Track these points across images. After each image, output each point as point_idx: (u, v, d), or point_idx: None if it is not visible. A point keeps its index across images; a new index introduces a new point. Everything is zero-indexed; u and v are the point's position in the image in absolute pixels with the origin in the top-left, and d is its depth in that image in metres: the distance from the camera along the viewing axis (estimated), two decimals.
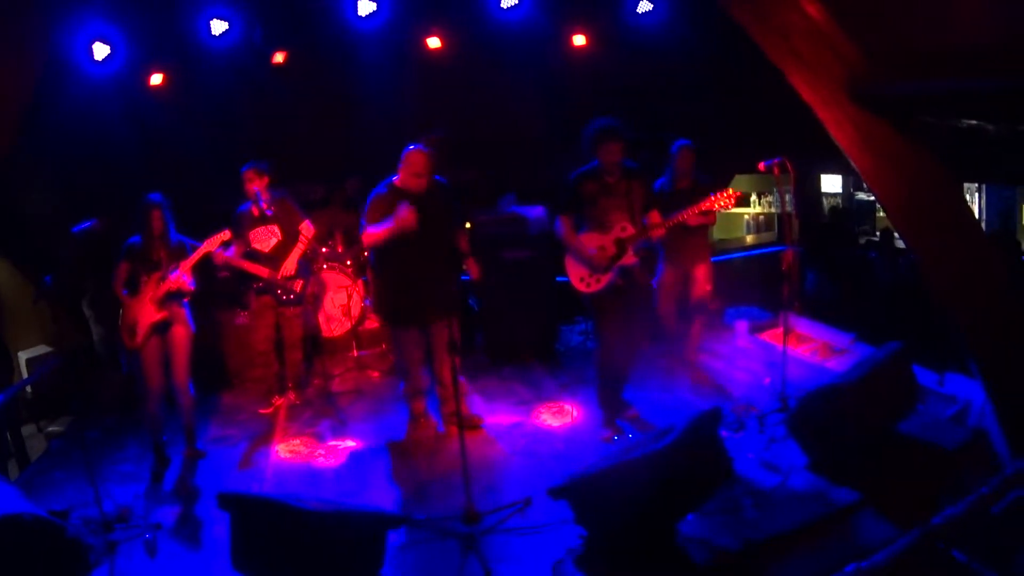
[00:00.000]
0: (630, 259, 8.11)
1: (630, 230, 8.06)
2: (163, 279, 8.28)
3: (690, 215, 8.28)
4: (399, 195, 8.20)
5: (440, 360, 8.70)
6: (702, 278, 9.62)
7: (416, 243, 8.09)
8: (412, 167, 8.23)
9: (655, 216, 8.17)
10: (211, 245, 8.55)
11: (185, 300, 8.53)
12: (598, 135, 8.04)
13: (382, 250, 8.34)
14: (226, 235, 8.69)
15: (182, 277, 8.33)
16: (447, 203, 8.55)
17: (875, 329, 9.87)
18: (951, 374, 8.54)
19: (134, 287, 8.36)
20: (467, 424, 8.01)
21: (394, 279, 8.54)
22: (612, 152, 8.02)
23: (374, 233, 8.15)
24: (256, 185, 9.25)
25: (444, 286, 8.55)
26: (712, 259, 9.69)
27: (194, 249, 8.47)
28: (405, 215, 7.85)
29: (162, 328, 8.40)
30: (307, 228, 9.66)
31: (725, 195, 8.07)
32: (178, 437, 8.91)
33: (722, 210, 8.40)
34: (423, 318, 8.54)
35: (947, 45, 6.17)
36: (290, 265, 9.47)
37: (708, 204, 8.15)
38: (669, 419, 7.81)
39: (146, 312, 8.29)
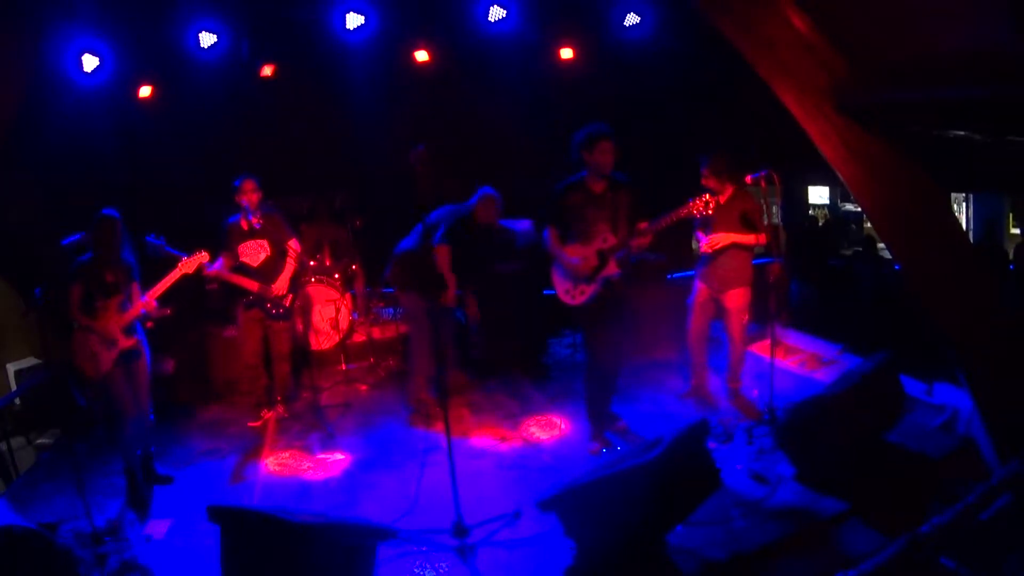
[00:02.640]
0: (612, 270, 8.11)
1: (611, 240, 8.05)
2: (124, 305, 8.03)
3: (664, 224, 8.21)
4: (478, 225, 9.61)
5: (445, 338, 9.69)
6: (737, 307, 9.15)
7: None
8: (494, 207, 9.61)
9: (642, 227, 8.14)
10: (187, 267, 8.37)
11: (148, 324, 8.39)
12: (591, 135, 8.01)
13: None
14: (205, 257, 8.54)
15: (152, 301, 8.11)
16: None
17: (863, 339, 9.89)
18: (939, 383, 8.57)
19: (91, 312, 7.98)
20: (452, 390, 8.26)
21: (429, 265, 9.38)
22: (605, 152, 7.97)
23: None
24: (251, 197, 9.27)
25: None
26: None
27: (138, 268, 8.22)
28: None
29: (130, 356, 8.11)
30: (294, 245, 9.66)
31: (702, 201, 7.99)
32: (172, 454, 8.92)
33: (702, 215, 8.28)
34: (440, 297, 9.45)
35: (932, 55, 6.20)
36: (283, 283, 9.48)
37: (684, 211, 8.05)
38: (657, 431, 7.82)
39: (112, 340, 7.97)
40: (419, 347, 9.83)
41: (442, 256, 9.31)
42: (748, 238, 8.91)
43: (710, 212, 8.00)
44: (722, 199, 8.80)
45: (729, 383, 9.54)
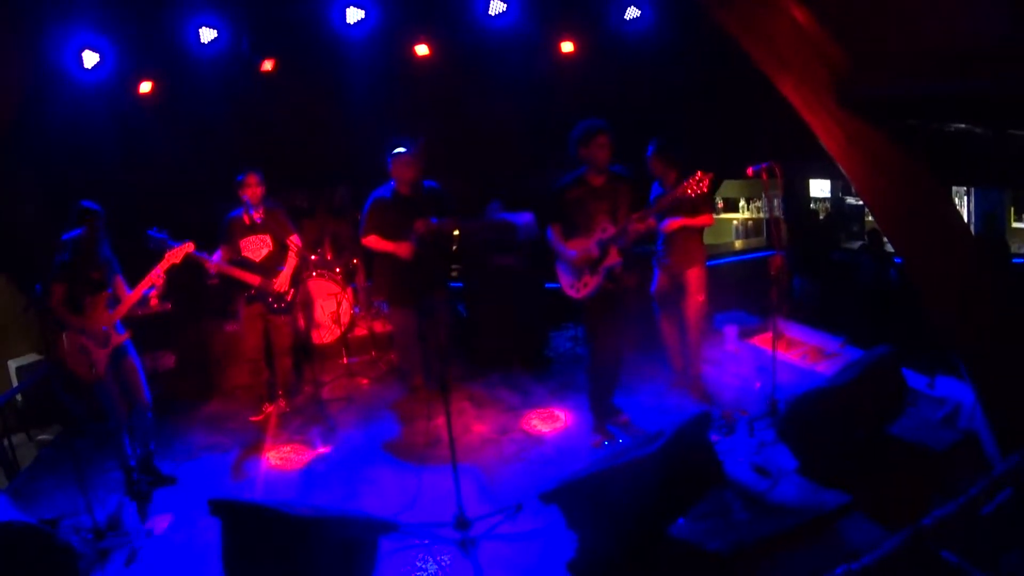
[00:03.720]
0: (613, 259, 8.11)
1: (611, 230, 8.07)
2: (111, 301, 8.02)
3: (664, 206, 8.27)
4: (399, 198, 9.42)
5: (429, 334, 9.73)
6: (694, 286, 9.31)
7: (407, 237, 9.30)
8: (397, 171, 9.41)
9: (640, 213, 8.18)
10: (174, 257, 8.33)
11: (154, 304, 8.38)
12: (588, 130, 8.07)
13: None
14: (190, 247, 8.50)
15: (162, 274, 8.13)
16: (437, 204, 9.44)
17: (865, 332, 9.90)
18: (941, 376, 8.58)
19: (78, 311, 7.86)
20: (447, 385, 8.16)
21: (390, 266, 9.51)
22: (602, 146, 8.03)
23: (377, 246, 9.44)
24: (255, 191, 9.28)
25: (432, 272, 9.54)
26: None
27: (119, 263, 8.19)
28: (406, 250, 9.28)
29: (118, 355, 8.07)
30: (296, 241, 9.66)
31: (695, 180, 8.00)
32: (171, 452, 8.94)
33: (698, 196, 8.35)
34: (414, 299, 9.51)
35: (933, 48, 6.20)
36: (284, 279, 9.49)
37: (680, 191, 8.07)
38: (659, 424, 7.83)
39: (104, 337, 7.93)
40: (405, 355, 10.20)
41: (373, 243, 9.49)
42: (696, 220, 9.11)
43: (703, 190, 8.01)
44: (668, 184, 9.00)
45: (689, 369, 9.57)
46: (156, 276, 8.15)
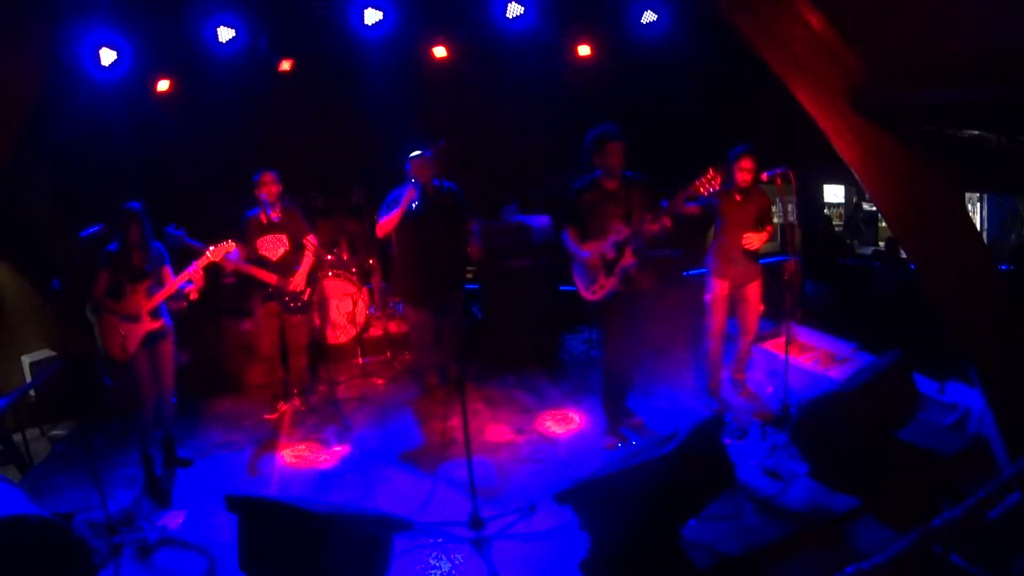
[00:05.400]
0: (629, 259, 8.16)
1: (625, 231, 8.11)
2: (152, 289, 8.23)
3: (676, 206, 8.21)
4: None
5: (443, 334, 9.98)
6: (756, 297, 9.36)
7: (423, 236, 9.51)
8: (414, 172, 9.41)
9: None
10: (215, 255, 8.58)
11: (193, 297, 8.55)
12: (600, 137, 8.14)
13: (398, 241, 9.58)
14: (231, 246, 8.74)
15: (200, 270, 8.41)
16: (454, 205, 9.58)
17: (877, 338, 9.90)
18: (952, 382, 8.57)
19: (118, 297, 8.17)
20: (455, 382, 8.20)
21: (407, 265, 9.66)
22: (615, 152, 8.10)
23: (385, 219, 9.39)
24: (271, 189, 9.33)
25: (448, 273, 9.76)
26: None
27: (175, 252, 8.53)
28: (408, 194, 9.28)
29: (154, 338, 8.30)
30: (312, 240, 9.71)
31: (707, 179, 8.00)
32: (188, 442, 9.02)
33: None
34: (430, 299, 9.70)
35: (948, 55, 6.22)
36: (301, 277, 9.54)
37: (692, 189, 8.04)
38: (672, 426, 7.85)
39: (139, 323, 8.18)
40: (420, 354, 10.36)
41: (383, 225, 9.52)
42: (768, 231, 9.18)
43: (715, 187, 8.02)
44: (738, 196, 8.90)
45: (735, 375, 9.65)
46: (194, 271, 8.41)
